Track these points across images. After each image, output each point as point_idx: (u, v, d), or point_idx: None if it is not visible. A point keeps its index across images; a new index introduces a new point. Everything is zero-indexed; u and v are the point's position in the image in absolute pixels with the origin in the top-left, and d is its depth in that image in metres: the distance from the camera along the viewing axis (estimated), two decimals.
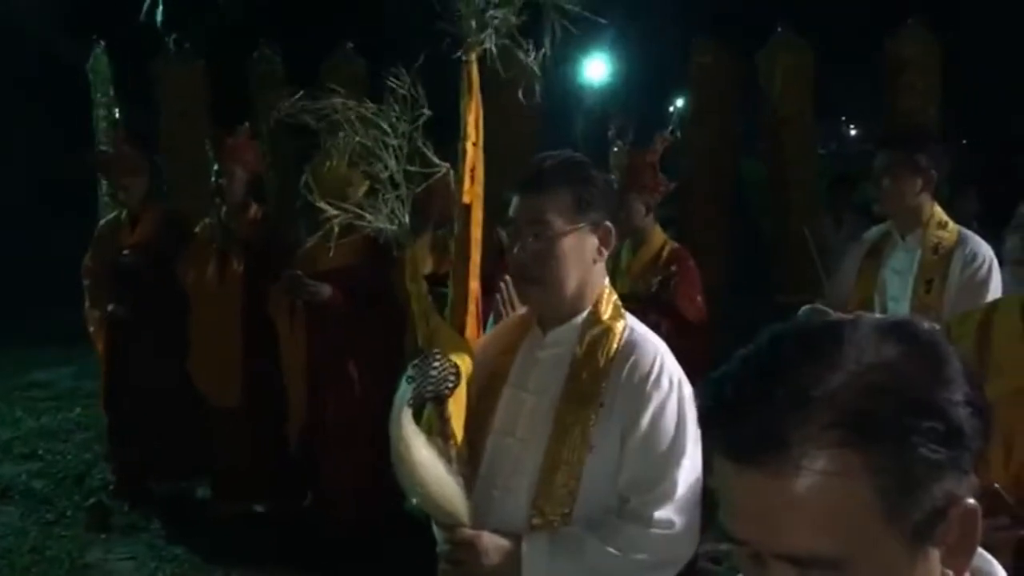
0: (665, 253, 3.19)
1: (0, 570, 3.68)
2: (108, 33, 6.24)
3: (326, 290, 3.61)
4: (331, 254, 3.55)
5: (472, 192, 1.70)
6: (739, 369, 0.65)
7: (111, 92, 6.07)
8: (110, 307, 4.19)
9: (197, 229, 4.15)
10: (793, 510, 0.60)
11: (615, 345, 1.54)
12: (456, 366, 1.58)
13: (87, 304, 4.39)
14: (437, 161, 1.59)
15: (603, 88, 14.10)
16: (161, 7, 6.66)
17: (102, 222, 4.45)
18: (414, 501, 1.55)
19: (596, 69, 13.98)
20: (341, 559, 3.56)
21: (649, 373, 1.49)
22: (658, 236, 3.27)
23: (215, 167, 4.01)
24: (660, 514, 1.43)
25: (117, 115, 4.66)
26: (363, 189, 1.72)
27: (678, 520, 1.44)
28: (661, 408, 1.48)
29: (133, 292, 4.17)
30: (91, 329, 4.40)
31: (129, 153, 4.31)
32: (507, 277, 2.49)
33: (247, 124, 4.09)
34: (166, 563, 3.69)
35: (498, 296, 2.41)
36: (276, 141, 5.54)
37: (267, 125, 5.03)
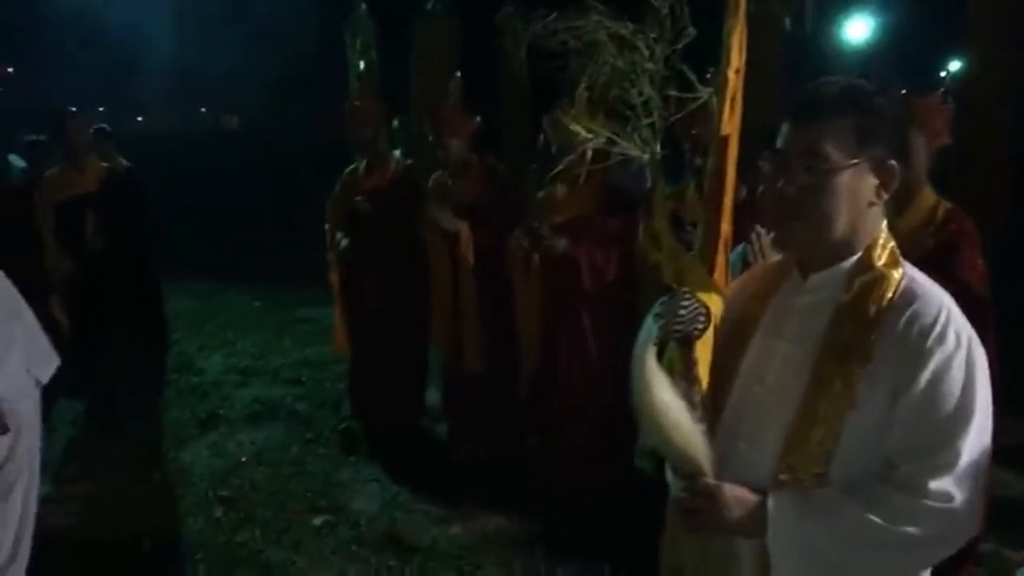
0: (940, 213, 2.80)
1: (266, 478, 4.13)
2: None
3: (562, 243, 3.62)
4: (572, 196, 3.61)
5: (732, 124, 1.59)
6: None
7: (371, 53, 6.43)
8: (342, 244, 4.44)
9: (430, 183, 4.25)
10: None
11: (890, 294, 1.35)
12: (706, 307, 1.49)
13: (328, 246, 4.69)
14: (699, 87, 1.49)
15: (864, 49, 12.97)
16: None
17: (345, 172, 4.69)
18: (651, 444, 1.49)
19: (857, 29, 12.87)
20: (566, 510, 3.62)
21: (931, 327, 1.30)
22: (929, 194, 2.87)
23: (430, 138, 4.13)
24: (936, 485, 1.25)
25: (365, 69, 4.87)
26: (603, 136, 1.65)
27: (958, 494, 1.25)
28: (945, 366, 1.28)
29: (364, 236, 4.41)
30: (330, 272, 4.75)
31: (368, 105, 4.45)
32: (758, 227, 2.34)
33: (457, 76, 4.13)
34: (406, 488, 3.95)
35: (748, 246, 2.27)
36: (516, 96, 5.58)
37: (507, 85, 5.09)
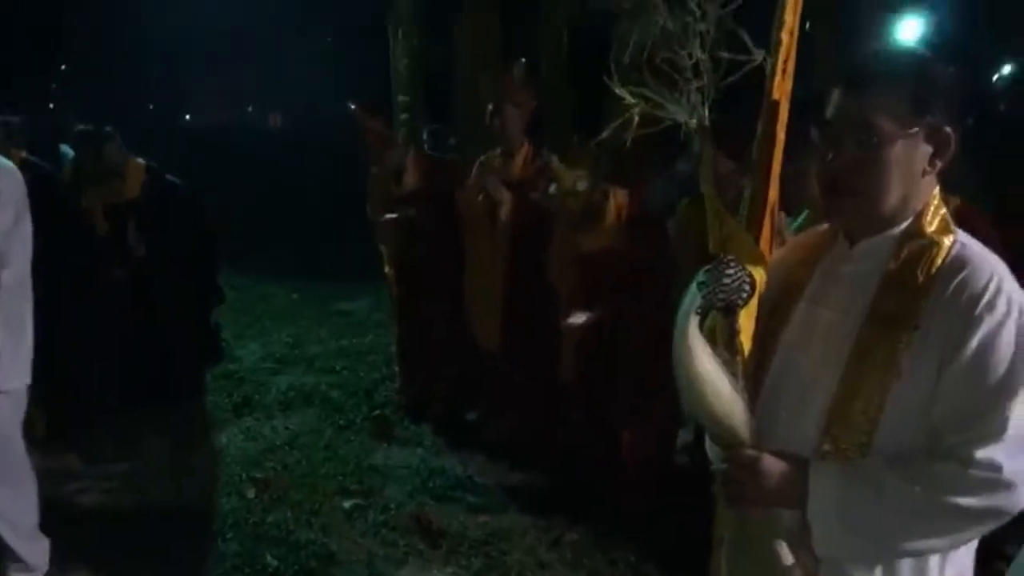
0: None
1: (299, 461, 4.15)
2: None
3: (598, 313, 3.56)
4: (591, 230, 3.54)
5: (782, 88, 1.53)
6: None
7: (413, 41, 6.44)
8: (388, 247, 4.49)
9: (473, 171, 4.21)
10: None
11: (940, 260, 1.31)
12: (751, 276, 1.44)
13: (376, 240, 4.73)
14: (753, 48, 1.45)
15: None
16: None
17: (372, 172, 4.64)
18: (691, 414, 1.45)
19: (908, 29, 12.66)
20: (595, 500, 3.58)
21: (981, 293, 1.25)
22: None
23: (490, 106, 4.02)
24: (983, 454, 1.20)
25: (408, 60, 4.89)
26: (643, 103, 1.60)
27: (1007, 464, 1.19)
28: (993, 334, 1.23)
29: (411, 238, 4.44)
30: (385, 265, 4.80)
31: (375, 131, 4.42)
32: (780, 213, 2.25)
33: (524, 61, 4.06)
34: (437, 475, 3.95)
35: None
36: (556, 73, 5.52)
37: (549, 61, 5.01)
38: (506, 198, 3.99)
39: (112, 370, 4.70)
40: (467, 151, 5.00)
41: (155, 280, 4.70)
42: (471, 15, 6.19)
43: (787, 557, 1.34)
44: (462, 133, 6.11)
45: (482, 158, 4.21)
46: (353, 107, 4.47)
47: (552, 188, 3.63)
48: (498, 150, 4.13)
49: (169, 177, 4.82)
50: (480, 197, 4.09)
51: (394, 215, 4.45)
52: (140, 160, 4.77)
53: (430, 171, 4.50)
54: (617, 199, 3.59)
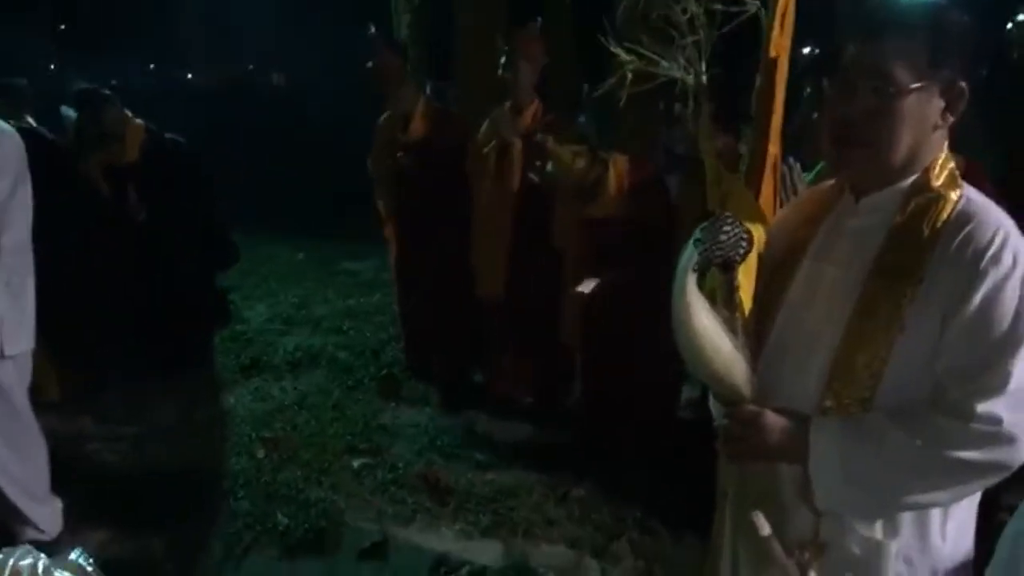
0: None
1: (307, 421, 4.19)
2: None
3: (604, 277, 3.55)
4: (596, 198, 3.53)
5: (781, 43, 1.51)
6: None
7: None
8: (388, 199, 4.40)
9: (483, 126, 4.17)
10: None
11: (945, 215, 1.29)
12: (749, 232, 1.43)
13: (375, 198, 4.68)
14: (747, 0, 1.42)
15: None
16: None
17: (380, 120, 4.59)
18: (692, 372, 1.45)
19: None
20: (603, 456, 3.60)
21: (987, 247, 1.23)
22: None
23: (502, 60, 3.99)
24: (984, 408, 1.20)
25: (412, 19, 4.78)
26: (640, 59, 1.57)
27: (1008, 417, 1.19)
28: (998, 287, 1.22)
29: (412, 191, 4.37)
30: (383, 224, 4.75)
31: (391, 64, 4.31)
32: (790, 160, 2.23)
33: (539, 20, 4.06)
34: (444, 433, 3.98)
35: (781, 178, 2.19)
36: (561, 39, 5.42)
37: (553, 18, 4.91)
38: (517, 142, 3.96)
39: (120, 333, 4.73)
40: (470, 111, 4.92)
41: (160, 242, 4.68)
42: None
43: (764, 527, 1.33)
44: (465, 92, 6.02)
45: (493, 114, 4.15)
46: (373, 31, 4.38)
47: (549, 166, 3.60)
48: (507, 104, 4.08)
49: (169, 136, 4.76)
50: (492, 144, 4.05)
51: (401, 159, 4.37)
52: (139, 121, 4.71)
53: (438, 122, 4.43)
54: (617, 167, 3.55)
